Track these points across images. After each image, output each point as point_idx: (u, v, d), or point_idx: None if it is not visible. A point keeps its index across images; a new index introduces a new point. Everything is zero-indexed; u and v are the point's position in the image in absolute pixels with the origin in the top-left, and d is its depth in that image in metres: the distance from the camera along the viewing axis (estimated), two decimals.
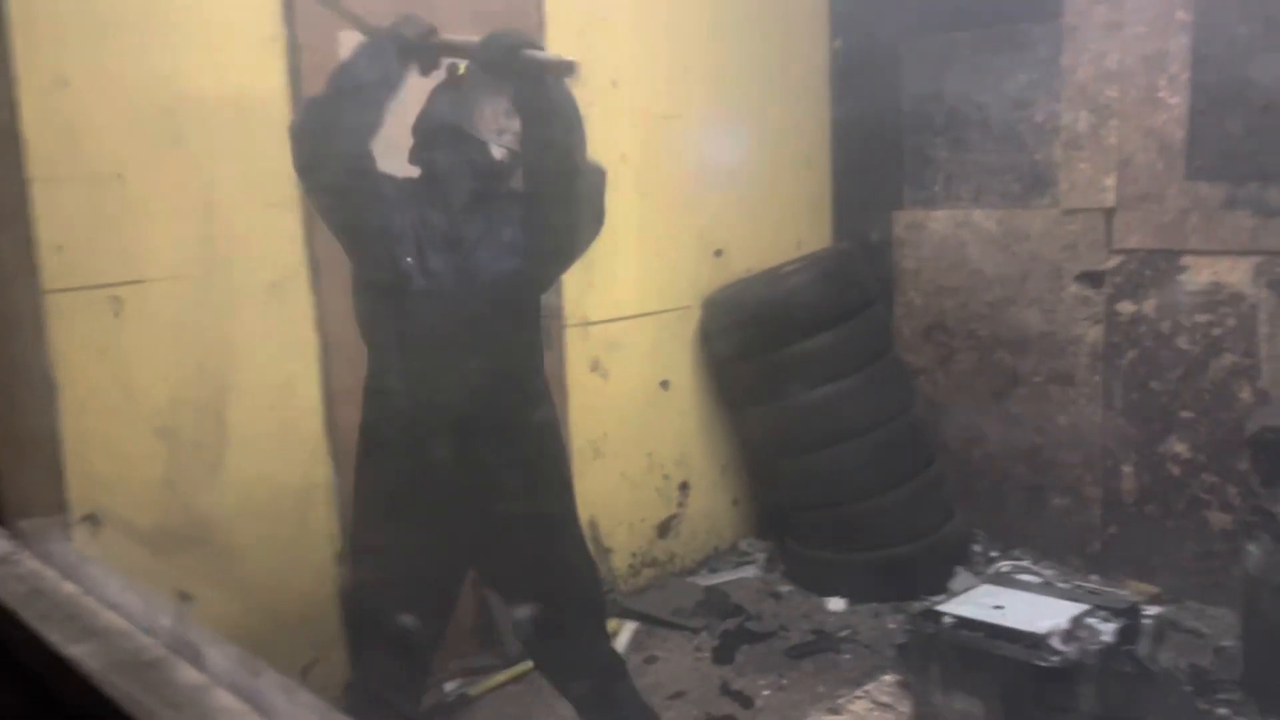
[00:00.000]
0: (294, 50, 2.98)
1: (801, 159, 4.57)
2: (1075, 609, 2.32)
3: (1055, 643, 2.19)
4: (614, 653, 2.78)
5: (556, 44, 3.58)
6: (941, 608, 2.35)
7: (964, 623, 2.28)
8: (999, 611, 2.31)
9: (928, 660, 2.33)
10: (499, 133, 2.38)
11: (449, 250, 2.33)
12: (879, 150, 4.51)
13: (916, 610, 2.47)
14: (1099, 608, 2.34)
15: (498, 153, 2.39)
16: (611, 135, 3.74)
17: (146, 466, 2.78)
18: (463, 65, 2.40)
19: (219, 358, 2.88)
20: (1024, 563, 4.01)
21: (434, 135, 2.40)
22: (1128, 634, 2.27)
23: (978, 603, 2.38)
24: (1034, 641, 2.20)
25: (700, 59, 4.11)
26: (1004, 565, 3.80)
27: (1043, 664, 2.16)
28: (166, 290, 2.79)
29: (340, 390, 3.16)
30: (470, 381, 2.35)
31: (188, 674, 0.54)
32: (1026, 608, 2.34)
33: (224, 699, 0.52)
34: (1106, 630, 2.26)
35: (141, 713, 0.50)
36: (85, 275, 2.65)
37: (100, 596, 0.63)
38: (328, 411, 3.14)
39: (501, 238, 2.37)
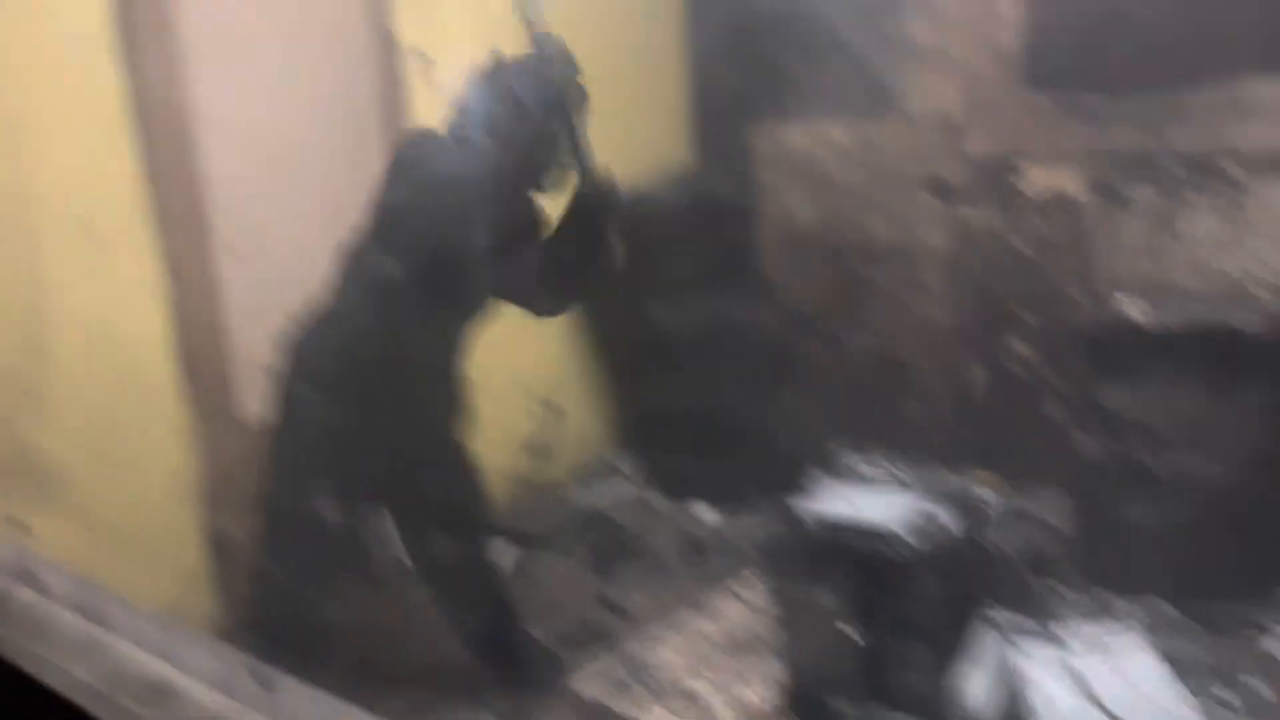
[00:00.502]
0: None
1: (658, 75, 4.55)
2: (921, 503, 2.46)
3: (904, 535, 2.32)
4: (506, 592, 2.87)
5: None
6: (798, 507, 2.46)
7: (820, 521, 2.40)
8: (852, 508, 2.44)
9: (786, 559, 2.45)
10: None
11: None
12: (734, 64, 4.53)
13: (775, 510, 2.58)
14: (943, 499, 2.49)
15: None
16: (469, 41, 3.64)
17: None
18: None
19: (44, 297, 2.74)
20: (882, 462, 4.20)
21: None
22: (970, 522, 2.43)
23: (833, 501, 2.50)
24: (885, 536, 2.32)
25: None
26: (860, 465, 3.98)
27: (894, 556, 2.30)
28: None
29: (195, 327, 3.06)
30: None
31: (25, 595, 0.54)
32: (877, 504, 2.47)
33: (62, 615, 0.52)
34: (951, 521, 2.40)
35: None
36: None
37: None
38: (182, 351, 3.03)
39: None
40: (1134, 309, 3.10)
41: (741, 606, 3.10)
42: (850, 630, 2.40)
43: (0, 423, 2.69)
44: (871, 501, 2.52)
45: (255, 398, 3.20)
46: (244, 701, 0.44)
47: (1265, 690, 2.72)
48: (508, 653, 2.85)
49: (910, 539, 2.33)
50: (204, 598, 3.13)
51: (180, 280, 3.00)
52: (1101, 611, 3.13)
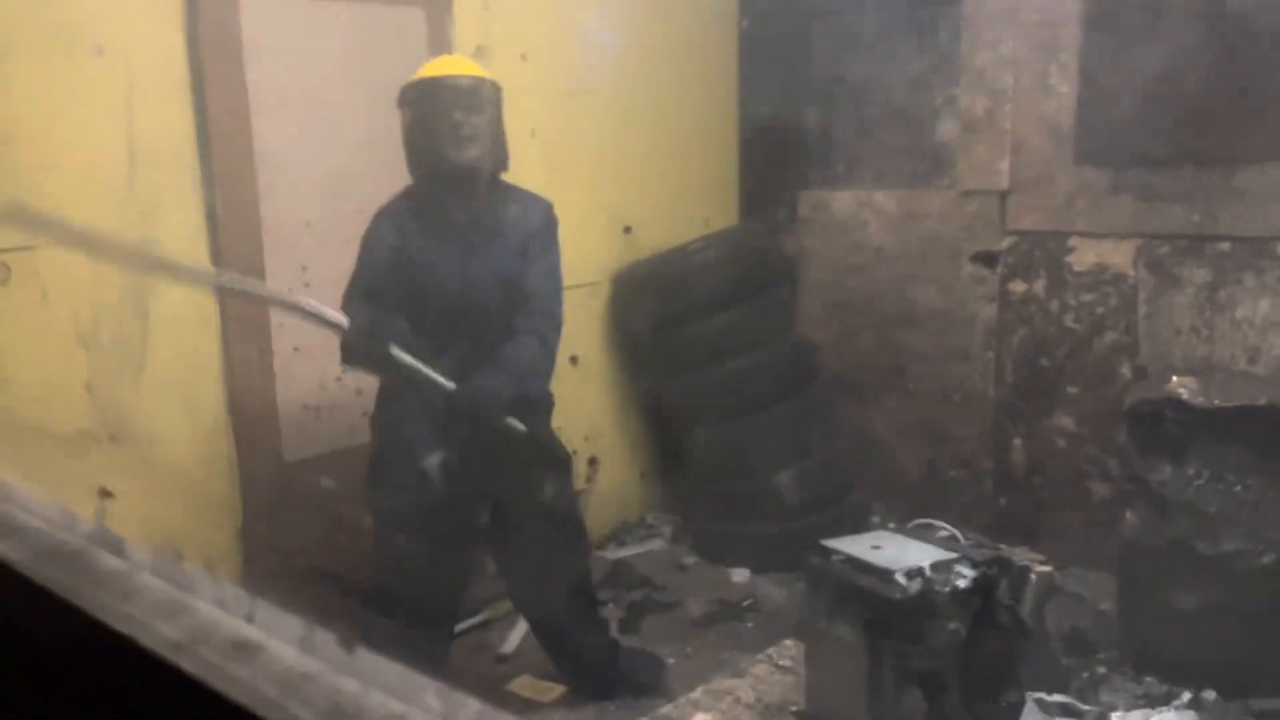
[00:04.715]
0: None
1: (709, 138, 4.64)
2: (941, 555, 2.43)
3: (900, 579, 2.32)
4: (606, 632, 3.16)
5: (464, 16, 3.58)
6: (830, 543, 2.48)
7: (843, 558, 2.42)
8: (875, 551, 2.45)
9: (816, 590, 2.46)
10: None
11: None
12: (785, 131, 4.60)
13: (813, 544, 2.60)
14: (965, 557, 2.45)
15: None
16: (521, 110, 3.74)
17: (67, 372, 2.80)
18: None
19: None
20: (926, 525, 4.15)
21: None
22: (990, 583, 2.39)
23: (863, 543, 2.53)
24: (885, 577, 2.33)
25: (610, 36, 4.13)
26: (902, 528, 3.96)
27: (888, 597, 2.30)
28: None
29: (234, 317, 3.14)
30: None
31: (110, 561, 0.56)
32: (899, 551, 2.47)
33: (147, 579, 0.54)
34: (965, 575, 2.37)
35: (68, 593, 0.52)
36: None
37: (15, 501, 0.64)
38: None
39: None
40: (1182, 387, 3.06)
41: (777, 673, 3.06)
42: (858, 665, 2.39)
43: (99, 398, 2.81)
44: (894, 548, 2.51)
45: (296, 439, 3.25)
46: (326, 661, 0.45)
47: None
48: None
49: (903, 581, 2.31)
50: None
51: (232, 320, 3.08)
52: (1145, 697, 3.04)
